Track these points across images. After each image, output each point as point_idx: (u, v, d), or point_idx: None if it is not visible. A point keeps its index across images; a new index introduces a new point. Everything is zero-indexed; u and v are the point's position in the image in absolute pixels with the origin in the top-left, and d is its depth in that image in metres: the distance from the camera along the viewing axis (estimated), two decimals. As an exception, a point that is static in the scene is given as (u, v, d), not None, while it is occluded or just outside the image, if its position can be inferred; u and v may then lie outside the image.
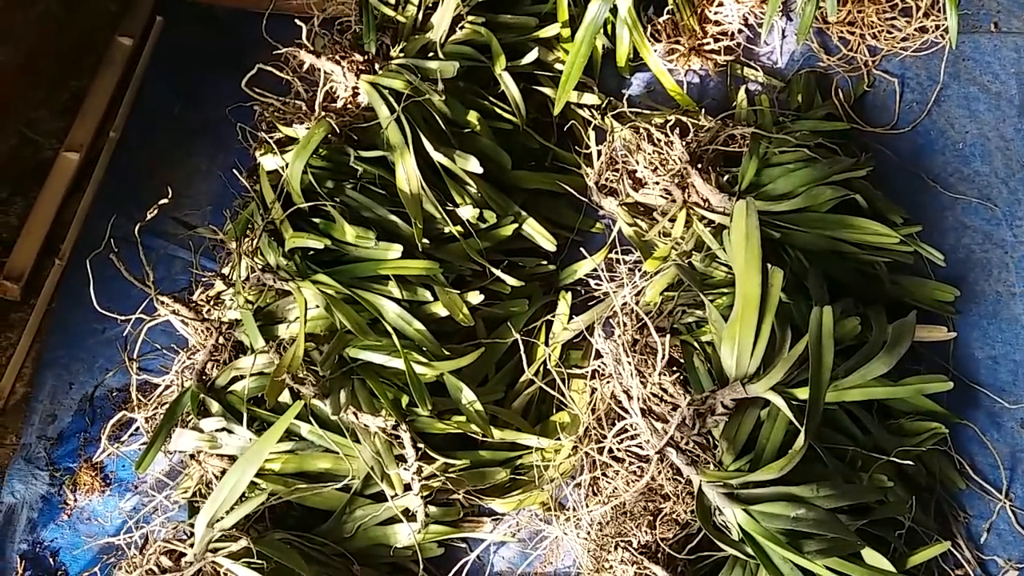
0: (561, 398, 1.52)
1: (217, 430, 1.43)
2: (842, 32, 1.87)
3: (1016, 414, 1.56)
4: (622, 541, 1.30)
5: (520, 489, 1.55)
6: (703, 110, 1.74)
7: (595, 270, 1.70)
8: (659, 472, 1.32)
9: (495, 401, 1.58)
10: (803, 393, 1.30)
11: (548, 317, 1.67)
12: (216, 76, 2.03)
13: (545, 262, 1.71)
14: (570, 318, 1.65)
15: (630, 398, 1.34)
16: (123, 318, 1.58)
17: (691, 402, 1.32)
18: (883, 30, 1.85)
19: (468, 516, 1.56)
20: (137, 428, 1.60)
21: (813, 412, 1.26)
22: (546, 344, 1.63)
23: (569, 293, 1.69)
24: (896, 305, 1.56)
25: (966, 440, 1.54)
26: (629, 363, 1.37)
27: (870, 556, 1.31)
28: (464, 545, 1.55)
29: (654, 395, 1.36)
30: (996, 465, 1.52)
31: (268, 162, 1.57)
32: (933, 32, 1.84)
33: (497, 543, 1.55)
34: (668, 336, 1.43)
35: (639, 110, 1.74)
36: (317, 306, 1.47)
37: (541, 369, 1.60)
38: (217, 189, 1.97)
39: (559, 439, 1.53)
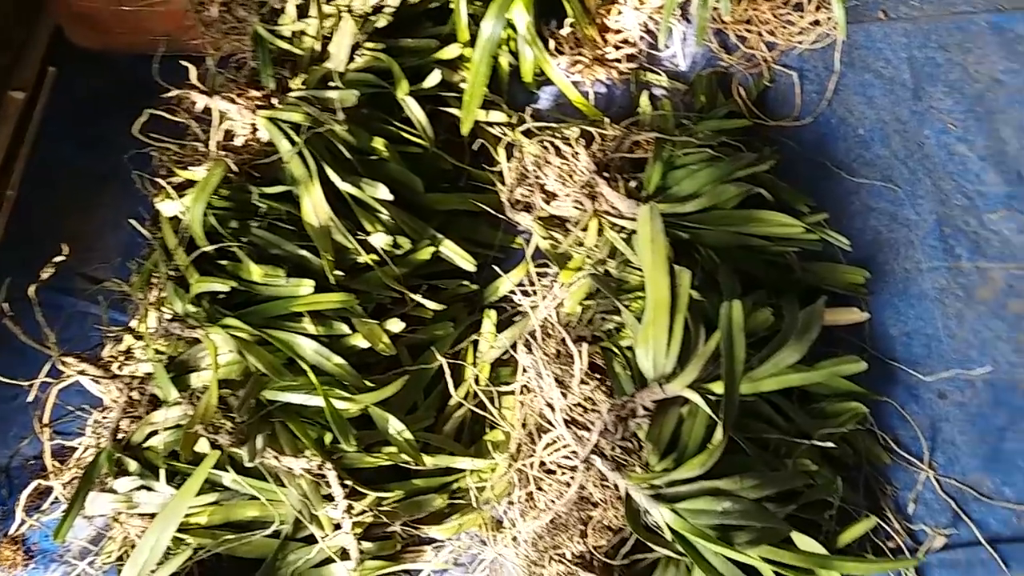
0: (491, 417, 1.55)
1: (133, 489, 1.42)
2: (739, 31, 1.96)
3: (932, 386, 1.64)
4: (556, 554, 1.33)
5: (458, 513, 1.57)
6: (609, 119, 1.80)
7: (518, 285, 1.74)
8: (587, 480, 1.36)
9: (426, 427, 1.60)
10: (720, 388, 1.35)
11: (475, 337, 1.70)
12: (115, 123, 2.01)
13: (467, 282, 1.74)
14: (496, 336, 1.69)
15: (553, 410, 1.38)
16: (27, 383, 1.56)
17: (611, 408, 1.36)
18: (779, 26, 1.94)
19: (408, 547, 1.57)
20: (57, 496, 1.59)
21: (729, 405, 1.32)
22: (474, 364, 1.67)
23: (494, 311, 1.73)
24: (810, 292, 1.62)
25: (887, 416, 1.62)
26: (549, 375, 1.41)
27: (801, 540, 1.37)
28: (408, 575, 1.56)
29: (577, 405, 1.40)
30: (917, 437, 1.60)
31: (167, 208, 1.58)
32: (826, 24, 1.93)
33: (438, 571, 1.57)
34: (587, 344, 1.47)
35: (547, 124, 1.79)
36: (229, 351, 1.48)
37: (471, 390, 1.63)
38: (125, 240, 1.96)
39: (494, 458, 1.56)
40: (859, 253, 1.75)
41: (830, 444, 1.43)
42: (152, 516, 1.44)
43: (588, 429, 1.39)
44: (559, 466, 1.41)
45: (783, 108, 1.90)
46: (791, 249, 1.65)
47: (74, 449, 1.60)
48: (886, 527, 1.52)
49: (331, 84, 1.73)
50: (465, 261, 1.69)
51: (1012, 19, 1.88)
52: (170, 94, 1.65)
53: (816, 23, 1.92)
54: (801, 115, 1.89)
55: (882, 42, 1.93)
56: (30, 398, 1.60)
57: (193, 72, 1.65)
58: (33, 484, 1.58)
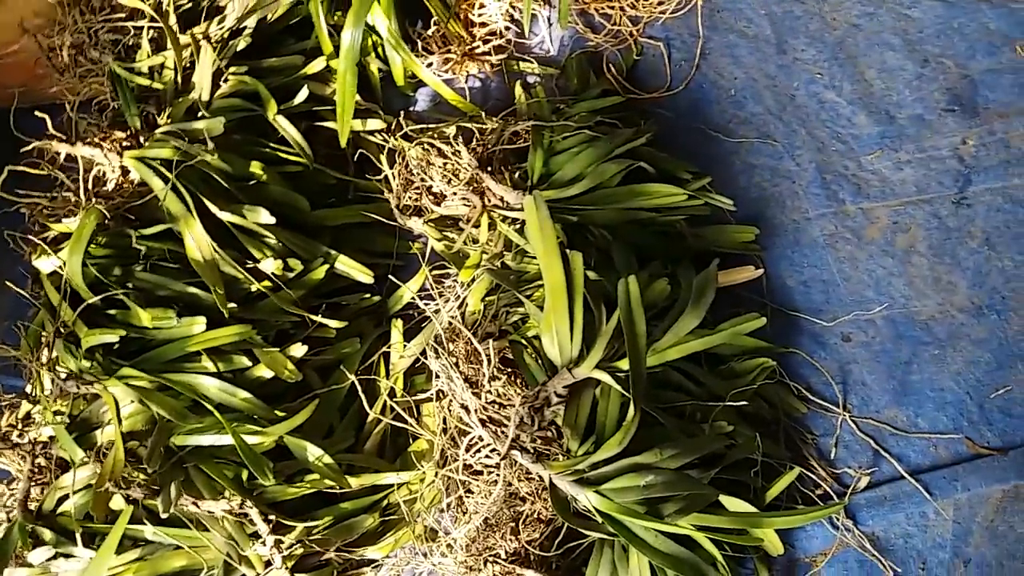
0: (412, 427, 1.52)
1: (49, 559, 1.35)
2: (602, 8, 1.95)
3: (835, 330, 1.67)
4: (491, 555, 1.32)
5: (392, 530, 1.54)
6: (487, 112, 1.79)
7: (421, 290, 1.71)
8: (512, 476, 1.34)
9: (347, 448, 1.56)
10: (627, 364, 1.35)
11: (385, 349, 1.67)
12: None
13: (368, 295, 1.70)
14: (404, 345, 1.66)
15: (468, 411, 1.36)
16: (-78, 466, 1.47)
17: (524, 399, 1.35)
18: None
19: (347, 571, 1.54)
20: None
21: (637, 380, 1.32)
22: (387, 377, 1.63)
23: (400, 320, 1.70)
24: (705, 257, 1.64)
25: (797, 366, 1.65)
26: (459, 378, 1.39)
27: (729, 502, 1.38)
28: (349, 601, 1.53)
29: (492, 402, 1.38)
30: (829, 383, 1.63)
31: (44, 265, 1.50)
32: (685, -10, 1.95)
33: (381, 590, 1.54)
34: (493, 341, 1.45)
35: (426, 125, 1.76)
36: (131, 401, 1.42)
37: (387, 403, 1.60)
38: (11, 303, 1.86)
39: (420, 468, 1.53)
40: (748, 211, 1.77)
41: (743, 403, 1.44)
42: (73, 585, 1.38)
43: (505, 425, 1.37)
44: (485, 466, 1.39)
45: (655, 79, 1.91)
46: (679, 217, 1.66)
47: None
48: (812, 476, 1.55)
49: (200, 115, 1.67)
50: (362, 274, 1.66)
51: (859, -34, 1.92)
52: (29, 147, 1.56)
53: (676, -9, 1.93)
54: (672, 84, 1.90)
55: (741, 2, 1.95)
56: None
57: (49, 122, 1.56)
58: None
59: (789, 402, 1.60)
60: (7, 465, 1.48)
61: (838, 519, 1.50)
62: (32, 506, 1.43)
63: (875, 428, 1.59)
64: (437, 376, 1.48)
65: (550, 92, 1.89)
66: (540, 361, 1.45)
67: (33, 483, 1.44)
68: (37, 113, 1.57)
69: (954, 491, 1.53)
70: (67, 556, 1.38)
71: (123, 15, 1.70)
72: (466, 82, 1.94)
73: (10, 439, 1.47)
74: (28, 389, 1.51)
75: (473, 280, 1.55)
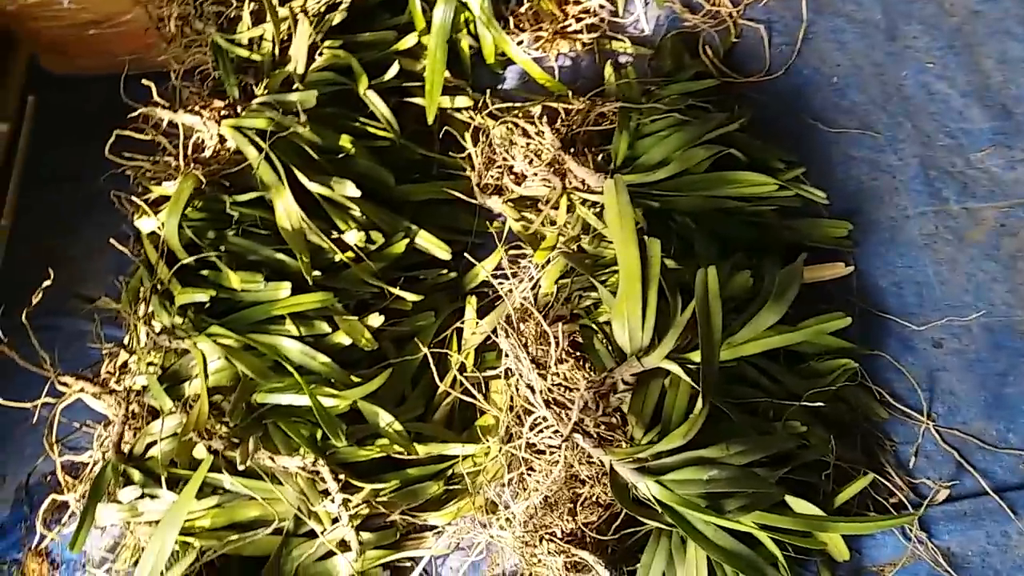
0: (479, 402, 1.55)
1: (137, 499, 1.45)
2: (704, -13, 1.91)
3: (926, 335, 1.60)
4: (546, 533, 1.34)
5: (455, 499, 1.58)
6: (576, 92, 1.78)
7: (497, 269, 1.73)
8: (574, 458, 1.36)
9: (416, 417, 1.61)
10: (699, 356, 1.33)
11: (459, 324, 1.70)
12: (95, 146, 2.04)
13: (446, 271, 1.74)
14: (477, 322, 1.68)
15: (533, 392, 1.38)
16: (30, 404, 1.60)
17: (590, 384, 1.36)
18: (742, -22, 1.90)
19: (410, 534, 1.59)
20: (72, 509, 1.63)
21: (708, 373, 1.30)
22: (459, 351, 1.67)
23: (474, 297, 1.73)
24: (793, 250, 1.59)
25: (882, 370, 1.59)
26: (526, 358, 1.40)
27: (796, 503, 1.36)
28: (409, 563, 1.58)
29: (558, 385, 1.40)
30: (914, 389, 1.57)
31: (145, 225, 1.59)
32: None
33: (441, 555, 1.58)
34: (562, 324, 1.46)
35: (512, 104, 1.77)
36: (218, 358, 1.50)
37: (458, 377, 1.64)
38: (116, 259, 1.97)
39: (485, 442, 1.56)
40: (843, 204, 1.71)
41: (819, 404, 1.41)
42: (158, 523, 1.47)
43: (569, 408, 1.38)
44: (547, 447, 1.41)
45: (753, 63, 1.86)
46: (769, 208, 1.62)
47: (85, 464, 1.65)
48: (887, 484, 1.50)
49: (294, 87, 1.73)
50: (440, 250, 1.69)
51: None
52: (135, 113, 1.66)
53: (782, -28, 1.87)
54: (772, 69, 1.84)
55: (854, -15, 1.87)
56: (34, 420, 1.63)
57: (154, 90, 1.65)
58: (49, 499, 1.63)
59: (870, 406, 1.55)
60: (105, 409, 1.59)
61: (911, 530, 1.45)
62: (125, 449, 1.54)
63: (960, 440, 1.52)
64: (506, 355, 1.51)
65: (642, 73, 1.86)
66: (610, 347, 1.46)
67: (127, 427, 1.54)
68: (144, 81, 1.66)
69: (1024, 518, 1.46)
70: (152, 497, 1.48)
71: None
72: (556, 61, 1.94)
73: (108, 385, 1.57)
74: (126, 340, 1.62)
75: (548, 262, 1.56)
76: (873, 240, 1.68)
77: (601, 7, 1.90)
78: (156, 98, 1.64)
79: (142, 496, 1.49)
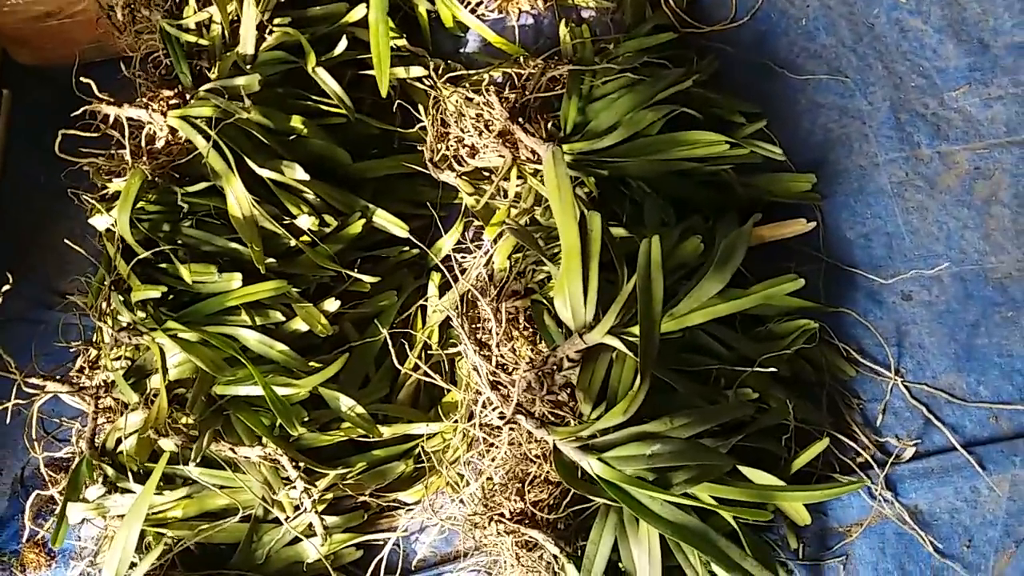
0: (439, 382, 1.58)
1: (105, 495, 1.52)
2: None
3: (895, 287, 1.57)
4: (495, 514, 1.37)
5: (424, 477, 1.62)
6: (537, 53, 1.75)
7: (460, 243, 1.74)
8: (521, 438, 1.38)
9: (382, 398, 1.64)
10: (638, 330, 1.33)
11: (423, 301, 1.72)
12: (70, 137, 2.09)
13: (408, 248, 1.75)
14: (438, 299, 1.70)
15: (479, 372, 1.40)
16: (10, 404, 1.67)
17: (530, 364, 1.37)
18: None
19: (383, 512, 1.64)
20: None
21: (647, 347, 1.30)
22: (423, 329, 1.69)
23: (438, 273, 1.74)
24: (756, 207, 1.57)
25: (848, 326, 1.57)
26: (469, 339, 1.42)
27: (750, 472, 1.36)
28: (382, 541, 1.63)
29: (503, 365, 1.41)
30: (881, 344, 1.55)
31: (99, 222, 1.63)
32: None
33: (415, 531, 1.63)
34: (516, 299, 1.47)
35: (466, 72, 1.74)
36: (179, 351, 1.54)
37: (423, 355, 1.66)
38: (93, 250, 2.04)
39: (450, 420, 1.59)
40: (810, 156, 1.67)
41: (772, 369, 1.40)
42: (127, 516, 1.54)
43: (511, 388, 1.40)
44: (495, 428, 1.43)
45: (719, 11, 1.80)
46: (726, 166, 1.59)
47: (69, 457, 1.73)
48: (854, 444, 1.50)
49: (248, 67, 1.74)
50: (398, 228, 1.70)
51: None
52: (80, 111, 1.68)
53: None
54: (737, 15, 1.79)
55: (822, -82, 1.79)
56: (7, 419, 1.71)
57: (94, 86, 1.67)
58: (33, 495, 1.72)
59: (836, 364, 1.53)
60: (79, 404, 1.66)
61: (876, 489, 1.45)
62: (99, 443, 1.60)
63: (929, 395, 1.51)
64: (459, 336, 1.52)
65: (604, 29, 1.82)
66: (559, 323, 1.46)
67: (101, 423, 1.61)
68: (82, 79, 1.68)
69: (1012, 466, 1.44)
70: (125, 491, 1.55)
71: (171, -28, 1.77)
72: (517, 20, 1.90)
73: (79, 382, 1.63)
74: (94, 337, 1.67)
75: (501, 236, 1.56)
76: (841, 191, 1.65)
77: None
78: (98, 93, 1.66)
79: (113, 491, 1.56)
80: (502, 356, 1.41)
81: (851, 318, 1.57)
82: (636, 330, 1.35)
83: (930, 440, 1.49)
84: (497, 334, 1.40)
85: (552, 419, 1.37)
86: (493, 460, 1.37)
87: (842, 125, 1.68)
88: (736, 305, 1.41)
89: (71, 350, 1.72)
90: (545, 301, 1.49)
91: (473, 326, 1.47)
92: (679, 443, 1.31)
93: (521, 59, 1.72)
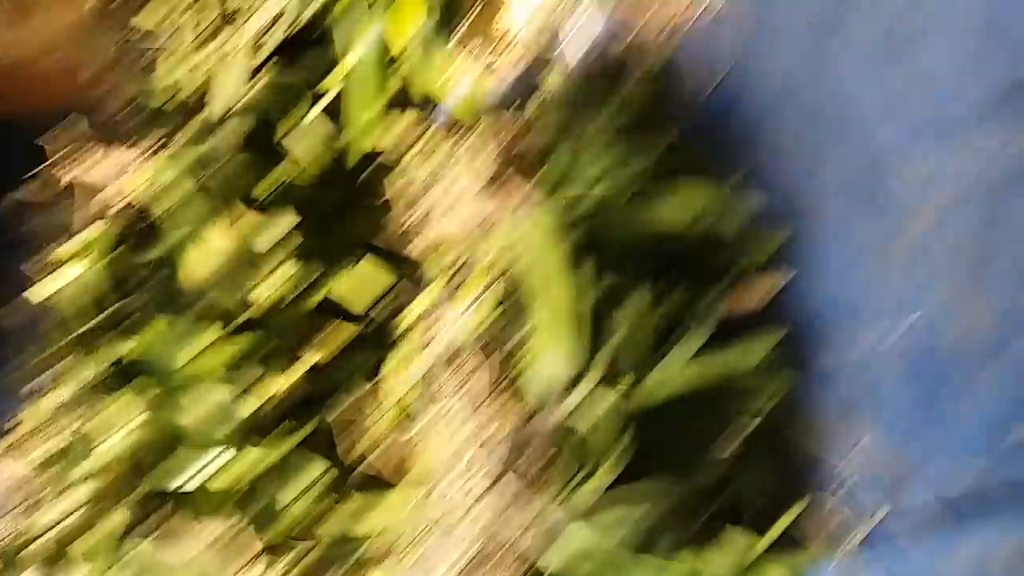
0: (405, 455, 1.56)
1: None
2: (632, 11, 1.94)
3: (860, 350, 1.61)
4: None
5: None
6: (509, 116, 1.81)
7: (430, 308, 1.74)
8: (499, 505, 1.37)
9: (345, 468, 1.61)
10: (620, 392, 1.35)
11: (385, 370, 1.71)
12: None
13: (372, 318, 1.74)
14: (407, 365, 1.69)
15: (454, 439, 1.39)
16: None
17: (516, 426, 1.37)
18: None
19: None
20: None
21: (635, 404, 1.31)
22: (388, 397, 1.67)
23: (407, 339, 1.73)
24: (727, 267, 1.61)
25: (814, 389, 1.59)
26: (451, 403, 1.42)
27: (725, 537, 1.37)
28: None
29: (481, 430, 1.41)
30: (846, 408, 1.57)
31: (54, 283, 1.61)
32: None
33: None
34: (493, 360, 1.48)
35: (447, 128, 1.80)
36: (132, 418, 1.51)
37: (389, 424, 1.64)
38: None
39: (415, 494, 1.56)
40: (775, 221, 1.72)
41: (748, 431, 1.43)
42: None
43: (497, 450, 1.39)
44: (471, 495, 1.42)
45: (687, 78, 1.88)
46: (704, 225, 1.64)
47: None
48: (824, 506, 1.51)
49: (215, 128, 1.76)
50: (361, 298, 1.69)
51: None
52: (44, 165, 1.68)
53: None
54: (706, 84, 1.87)
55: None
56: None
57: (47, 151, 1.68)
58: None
59: (802, 429, 1.56)
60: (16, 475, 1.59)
61: (849, 554, 1.46)
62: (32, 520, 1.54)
63: (897, 455, 1.54)
64: (432, 400, 1.52)
65: (579, 93, 1.89)
66: (537, 385, 1.47)
67: (37, 496, 1.54)
68: (36, 142, 1.68)
69: (972, 532, 1.47)
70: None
71: (143, 33, 1.80)
72: (490, 85, 1.96)
73: (23, 446, 1.57)
74: (42, 400, 1.63)
75: (479, 296, 1.57)
76: (806, 253, 1.70)
77: (536, 32, 1.93)
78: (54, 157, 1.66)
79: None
80: (481, 418, 1.41)
81: (818, 379, 1.60)
82: (621, 386, 1.37)
83: (900, 502, 1.51)
84: (481, 392, 1.40)
85: (533, 482, 1.36)
86: (472, 525, 1.35)
87: (805, 192, 1.71)
88: (712, 365, 1.44)
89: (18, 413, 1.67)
90: (524, 361, 1.50)
91: (450, 388, 1.47)
92: (659, 507, 1.31)
93: (504, 116, 1.77)
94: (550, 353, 1.38)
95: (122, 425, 1.46)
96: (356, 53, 1.70)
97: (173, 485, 1.47)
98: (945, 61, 1.76)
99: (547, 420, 1.39)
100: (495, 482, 1.35)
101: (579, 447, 1.39)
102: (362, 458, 1.59)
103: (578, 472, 1.37)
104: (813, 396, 1.58)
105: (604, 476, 1.30)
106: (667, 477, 1.33)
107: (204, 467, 1.46)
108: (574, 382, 1.38)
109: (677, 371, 1.42)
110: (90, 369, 1.52)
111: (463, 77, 1.93)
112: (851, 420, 1.57)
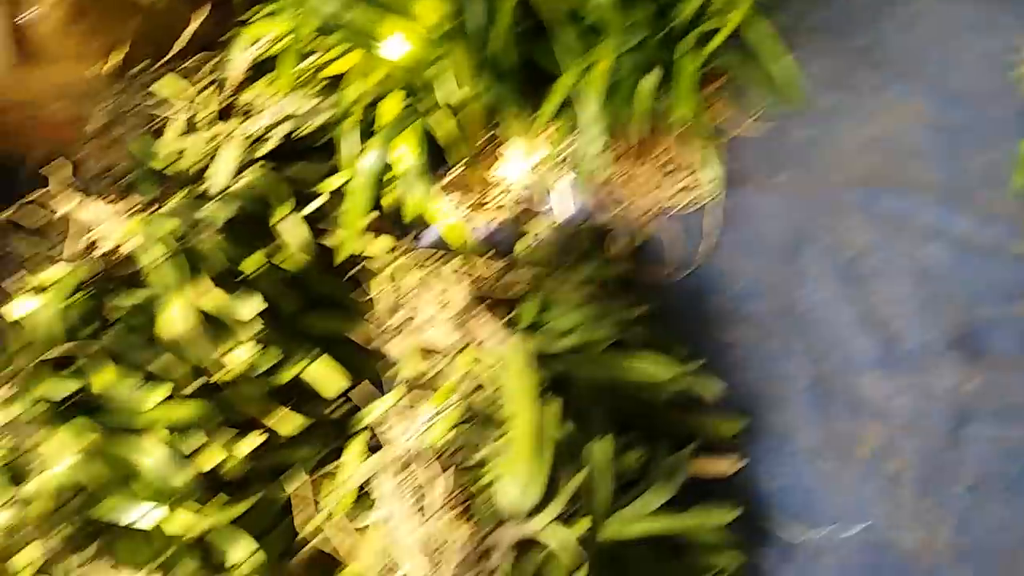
0: (342, 555, 1.50)
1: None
2: (620, 187, 2.10)
3: (809, 544, 1.67)
4: None
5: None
6: (490, 257, 1.90)
7: (389, 411, 1.73)
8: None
9: (280, 553, 1.54)
10: (584, 526, 1.35)
11: (340, 462, 1.67)
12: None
13: (336, 407, 1.73)
14: (360, 462, 1.66)
15: (403, 545, 1.35)
16: None
17: (469, 539, 1.34)
18: (658, 186, 2.10)
19: None
20: None
21: (590, 546, 1.31)
22: (336, 490, 1.63)
23: (363, 436, 1.71)
24: (686, 439, 1.67)
25: (763, 572, 1.63)
26: (402, 509, 1.39)
27: None
28: None
29: (432, 540, 1.38)
30: (803, 583, 1.61)
31: (20, 307, 1.55)
32: (703, 187, 2.10)
33: None
34: (447, 476, 1.47)
35: (429, 253, 1.86)
36: (71, 455, 1.42)
37: (326, 520, 1.58)
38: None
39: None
40: (737, 403, 1.82)
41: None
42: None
43: (443, 565, 1.36)
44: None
45: (660, 262, 2.02)
46: (665, 395, 1.71)
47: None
48: None
49: (210, 200, 1.78)
50: (333, 384, 1.69)
51: (881, 195, 2.06)
52: (35, 194, 1.67)
53: (694, 185, 2.08)
54: (677, 270, 2.00)
55: (758, 207, 2.08)
56: None
57: (58, 177, 1.68)
58: None
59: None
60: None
61: None
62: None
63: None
64: (383, 502, 1.49)
65: (556, 254, 2.00)
66: (494, 506, 1.46)
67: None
68: (52, 164, 1.68)
69: None
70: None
71: (158, 100, 1.86)
72: (474, 228, 2.06)
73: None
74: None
75: (442, 411, 1.58)
76: (762, 443, 1.78)
77: (524, 188, 2.06)
78: (59, 184, 1.65)
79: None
80: (433, 528, 1.38)
81: (765, 566, 1.63)
82: (577, 529, 1.37)
83: None
84: (436, 502, 1.37)
85: (477, 604, 1.32)
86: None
87: (768, 384, 1.85)
88: (672, 523, 1.46)
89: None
90: (481, 482, 1.49)
91: (404, 490, 1.44)
92: (605, 651, 1.29)
93: (484, 258, 1.85)
94: (517, 474, 1.38)
95: (57, 459, 1.36)
96: (362, 161, 1.78)
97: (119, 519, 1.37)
98: (899, 301, 1.95)
99: (502, 540, 1.37)
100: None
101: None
102: (317, 532, 1.52)
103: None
104: (770, 570, 1.61)
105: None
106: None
107: (142, 516, 1.37)
108: (534, 510, 1.38)
109: (637, 521, 1.42)
110: (30, 400, 1.44)
111: (454, 209, 2.03)
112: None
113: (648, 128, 2.01)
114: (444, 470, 1.49)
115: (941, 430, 1.79)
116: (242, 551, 1.44)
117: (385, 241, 1.93)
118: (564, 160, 2.10)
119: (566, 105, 1.90)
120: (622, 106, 1.87)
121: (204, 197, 1.80)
